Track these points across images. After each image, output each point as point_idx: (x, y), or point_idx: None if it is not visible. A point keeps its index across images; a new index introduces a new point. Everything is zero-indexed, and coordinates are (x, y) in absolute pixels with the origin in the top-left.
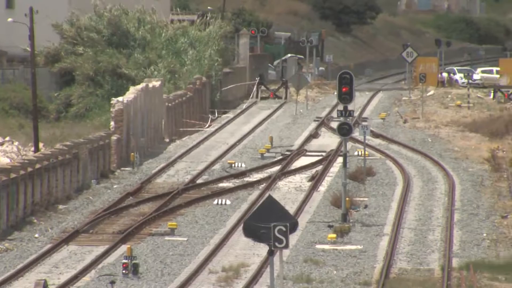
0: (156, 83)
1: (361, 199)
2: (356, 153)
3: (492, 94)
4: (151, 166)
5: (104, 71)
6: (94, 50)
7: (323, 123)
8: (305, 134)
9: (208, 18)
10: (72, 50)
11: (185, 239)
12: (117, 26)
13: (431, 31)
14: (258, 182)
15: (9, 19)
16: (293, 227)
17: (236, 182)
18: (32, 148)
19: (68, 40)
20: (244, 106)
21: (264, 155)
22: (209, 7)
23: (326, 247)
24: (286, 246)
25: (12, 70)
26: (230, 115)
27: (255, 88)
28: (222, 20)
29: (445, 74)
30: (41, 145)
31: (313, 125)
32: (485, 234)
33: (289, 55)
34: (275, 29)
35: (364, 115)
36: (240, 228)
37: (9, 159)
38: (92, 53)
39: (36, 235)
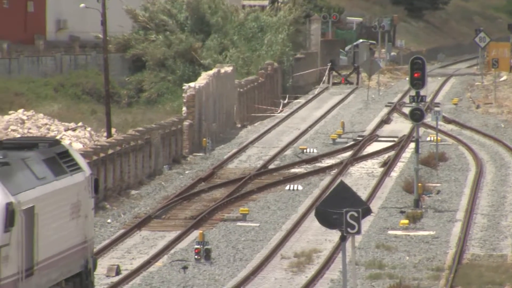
0: (228, 68)
1: (434, 184)
2: (428, 138)
3: None
4: (223, 151)
5: (176, 56)
6: (167, 35)
7: (395, 108)
8: (377, 119)
9: (279, 4)
10: (143, 38)
11: (257, 224)
12: (195, 10)
13: (504, 16)
14: (330, 167)
15: (81, 5)
16: (365, 212)
17: (308, 167)
18: (105, 134)
19: (141, 25)
20: (315, 91)
21: (336, 140)
22: None
23: (399, 232)
24: (358, 232)
25: (84, 56)
26: (302, 100)
27: (326, 74)
28: (293, 5)
29: None
30: (113, 130)
31: (385, 110)
32: None
33: (360, 40)
34: (347, 14)
35: (436, 100)
36: (312, 214)
37: (81, 145)
38: (164, 38)
39: (109, 221)
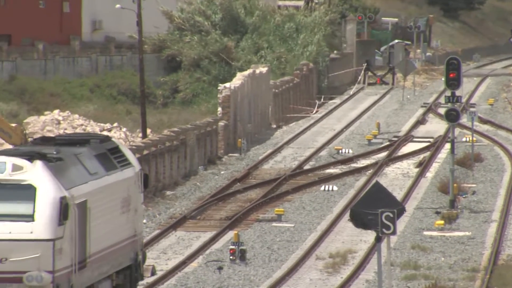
0: (263, 69)
1: (469, 185)
2: (463, 139)
3: None
4: (258, 152)
5: (211, 56)
6: (202, 36)
7: (430, 109)
8: (412, 120)
9: (314, 4)
10: (179, 38)
11: (292, 225)
12: (228, 10)
13: None
14: (365, 168)
15: (117, 6)
16: (400, 213)
17: (343, 168)
18: (140, 134)
19: (177, 26)
20: (351, 92)
21: (371, 141)
22: None
23: (434, 233)
24: (394, 233)
25: (120, 57)
26: (337, 101)
27: (362, 74)
28: (328, 6)
29: None
30: (148, 131)
31: (420, 111)
32: None
33: (396, 40)
34: (382, 15)
35: (472, 101)
36: (347, 214)
37: None
38: (199, 39)
39: (144, 221)
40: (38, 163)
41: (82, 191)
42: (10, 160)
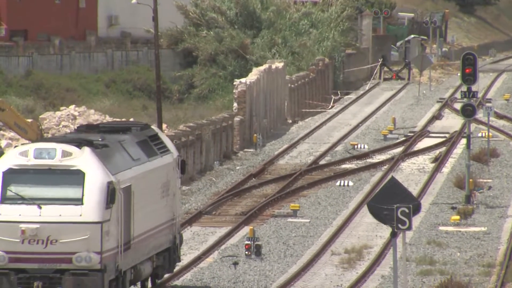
0: (279, 64)
1: (485, 180)
2: (479, 134)
3: None
4: (274, 147)
5: (227, 52)
6: (217, 31)
7: (446, 104)
8: (428, 115)
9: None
10: (195, 32)
11: (308, 220)
12: (244, 6)
13: None
14: (381, 163)
15: (133, 1)
16: (416, 208)
17: (359, 163)
18: None
19: (193, 21)
20: (366, 87)
21: (387, 136)
22: None
23: (450, 228)
24: (409, 228)
25: (136, 52)
26: (353, 96)
27: (377, 69)
28: (344, 0)
29: None
30: (164, 126)
31: (436, 106)
32: None
33: (412, 36)
34: (398, 10)
35: (488, 96)
36: (363, 209)
37: None
38: (215, 34)
39: None
40: (86, 150)
41: (126, 176)
42: (60, 147)
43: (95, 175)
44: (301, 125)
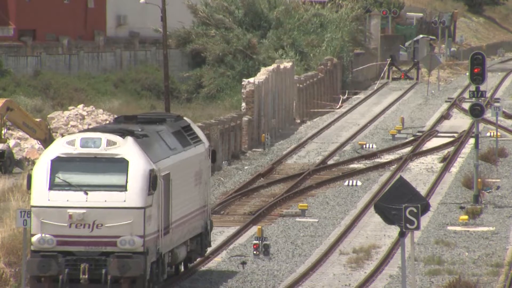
0: (287, 64)
1: (493, 180)
2: (488, 134)
3: None
4: (282, 147)
5: (235, 52)
6: (225, 31)
7: (454, 104)
8: (437, 115)
9: (340, 0)
10: (203, 32)
11: (316, 220)
12: (251, 6)
13: None
14: (389, 163)
15: (142, 1)
16: (425, 208)
17: (367, 163)
18: None
19: (201, 20)
20: (375, 87)
21: (395, 136)
22: None
23: (458, 228)
24: (418, 228)
25: (144, 52)
26: (361, 96)
27: (386, 69)
28: (353, 1)
29: None
30: None
31: (445, 106)
32: None
33: (420, 36)
34: (407, 10)
35: (496, 96)
36: (371, 209)
37: None
38: (222, 34)
39: None
40: (129, 139)
41: (165, 164)
42: (105, 136)
43: (138, 163)
44: (309, 125)
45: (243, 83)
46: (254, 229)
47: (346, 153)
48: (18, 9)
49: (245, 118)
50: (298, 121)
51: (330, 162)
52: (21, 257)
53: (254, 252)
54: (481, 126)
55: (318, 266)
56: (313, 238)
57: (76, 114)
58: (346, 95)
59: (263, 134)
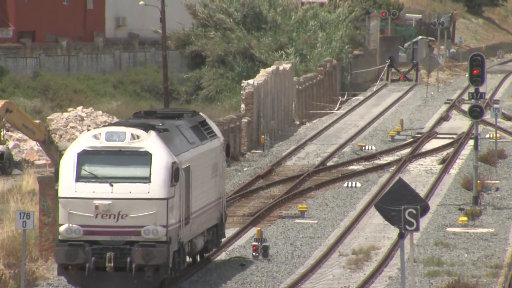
0: (286, 65)
1: (493, 182)
2: (487, 135)
3: None
4: (281, 148)
5: (235, 53)
6: (225, 32)
7: (454, 105)
8: (436, 116)
9: (338, 1)
10: (203, 34)
11: (315, 221)
12: (251, 7)
13: None
14: (388, 164)
15: (141, 2)
16: (424, 210)
17: (366, 164)
18: None
19: (200, 21)
20: (374, 88)
21: (395, 137)
22: None
23: (457, 230)
24: (417, 229)
25: (143, 53)
26: (360, 97)
27: (385, 71)
28: (352, 2)
29: None
30: None
31: (444, 107)
32: None
33: (420, 37)
34: (406, 11)
35: (496, 97)
36: (370, 211)
37: None
38: (222, 35)
39: None
40: (152, 133)
41: (186, 157)
42: (129, 130)
43: (161, 156)
44: (308, 127)
45: (242, 84)
46: (253, 231)
47: (346, 155)
48: (17, 10)
49: (245, 120)
50: (297, 122)
51: (330, 163)
52: (20, 259)
53: (254, 253)
54: (481, 127)
55: (317, 267)
56: (312, 240)
57: (76, 116)
58: (345, 97)
59: (262, 136)
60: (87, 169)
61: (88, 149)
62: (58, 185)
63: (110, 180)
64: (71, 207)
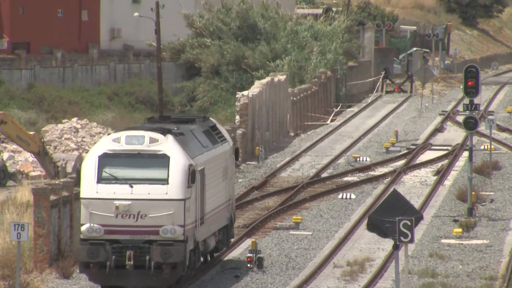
0: (281, 77)
1: (487, 193)
2: (482, 147)
3: None
4: (276, 160)
5: (229, 63)
6: (220, 42)
7: (448, 117)
8: (431, 128)
9: (333, 13)
10: (198, 44)
11: (310, 233)
12: (245, 18)
13: None
14: (383, 176)
15: (135, 14)
16: (418, 221)
17: (361, 176)
18: None
19: (197, 31)
20: (369, 100)
21: (389, 149)
22: (334, 1)
23: (452, 241)
24: (412, 241)
25: (138, 64)
26: (355, 109)
27: (380, 82)
28: (346, 14)
29: None
30: None
31: (439, 119)
32: None
33: (414, 48)
34: (401, 23)
35: (490, 108)
36: (365, 222)
37: None
38: (217, 46)
39: None
40: (170, 137)
41: (200, 160)
42: (148, 134)
43: (179, 159)
44: (303, 138)
45: (237, 96)
46: (248, 242)
47: (340, 166)
48: (12, 22)
49: (239, 131)
50: (292, 134)
51: (324, 175)
52: (15, 270)
53: (248, 265)
54: (475, 139)
55: (312, 279)
56: (307, 251)
57: (70, 127)
58: (339, 108)
59: (257, 147)
60: (108, 171)
61: (108, 152)
62: (79, 187)
63: (130, 181)
64: (92, 208)
